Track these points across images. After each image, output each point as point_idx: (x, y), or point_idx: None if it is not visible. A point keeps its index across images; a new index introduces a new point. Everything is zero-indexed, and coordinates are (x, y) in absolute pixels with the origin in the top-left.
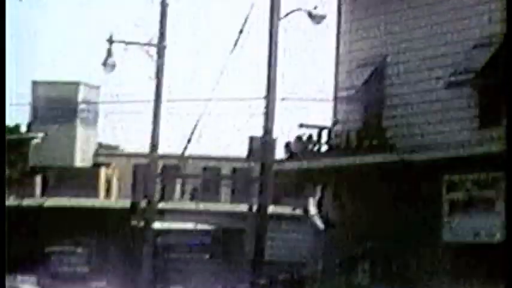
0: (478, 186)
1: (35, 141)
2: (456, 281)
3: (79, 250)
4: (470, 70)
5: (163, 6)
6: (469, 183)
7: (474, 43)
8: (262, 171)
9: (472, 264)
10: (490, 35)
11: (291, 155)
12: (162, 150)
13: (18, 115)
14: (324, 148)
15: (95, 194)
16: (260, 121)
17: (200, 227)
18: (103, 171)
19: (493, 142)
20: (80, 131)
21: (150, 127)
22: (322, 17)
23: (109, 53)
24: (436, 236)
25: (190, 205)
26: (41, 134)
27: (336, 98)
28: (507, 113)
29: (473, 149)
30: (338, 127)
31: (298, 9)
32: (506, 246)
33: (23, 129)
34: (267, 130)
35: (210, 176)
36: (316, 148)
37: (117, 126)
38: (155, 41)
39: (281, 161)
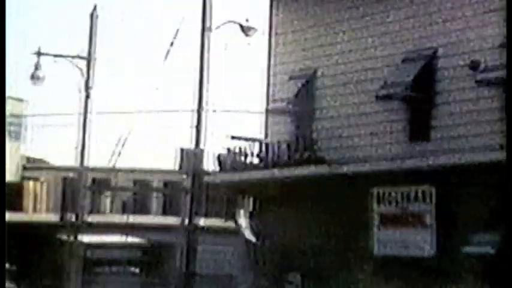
0: (408, 199)
1: None
2: None
3: (6, 266)
4: (400, 84)
5: (93, 18)
6: (399, 196)
7: (404, 57)
8: (193, 183)
9: (402, 278)
10: (420, 49)
11: (222, 167)
12: (91, 163)
13: None
14: (256, 160)
15: (23, 208)
16: (191, 133)
17: (130, 240)
18: (31, 185)
19: (423, 155)
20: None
21: (79, 140)
22: (253, 30)
23: (37, 66)
24: (366, 249)
25: (120, 218)
26: None
27: (267, 111)
28: (507, 112)
29: (403, 162)
30: (269, 139)
31: (230, 22)
32: (507, 250)
33: None
34: (198, 142)
35: (140, 189)
36: (247, 160)
37: (45, 139)
38: (84, 53)
39: (212, 173)
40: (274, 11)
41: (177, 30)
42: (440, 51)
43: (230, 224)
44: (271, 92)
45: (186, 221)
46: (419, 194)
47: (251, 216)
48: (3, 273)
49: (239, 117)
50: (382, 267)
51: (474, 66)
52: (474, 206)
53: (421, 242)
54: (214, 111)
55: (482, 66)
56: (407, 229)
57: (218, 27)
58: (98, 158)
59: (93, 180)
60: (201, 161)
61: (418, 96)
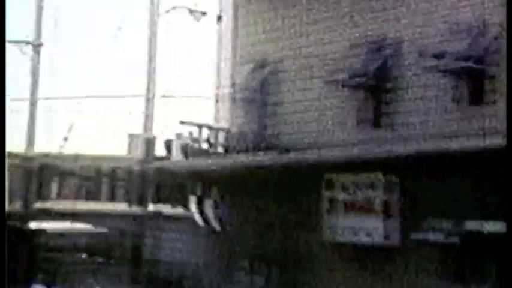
0: (359, 186)
1: None
2: (335, 280)
3: None
4: (351, 71)
5: (39, 2)
6: (351, 183)
7: (356, 43)
8: (142, 169)
9: (352, 264)
10: (374, 36)
11: (172, 153)
12: (38, 149)
13: None
14: (206, 146)
15: None
16: (140, 119)
17: (79, 226)
18: None
19: (374, 143)
20: None
21: (25, 126)
22: (203, 14)
23: None
24: (317, 235)
25: (69, 205)
26: None
27: (218, 96)
28: (507, 110)
29: (355, 149)
30: (220, 125)
31: (179, 7)
32: (507, 245)
33: None
34: (147, 128)
35: (89, 175)
36: (198, 146)
37: None
38: (31, 39)
39: (161, 159)
40: None
41: (125, 14)
42: (390, 37)
43: (180, 210)
44: (221, 78)
45: (135, 207)
46: (370, 181)
47: (201, 201)
48: (3, 273)
49: (191, 103)
50: (333, 253)
51: (423, 52)
52: (425, 194)
53: (371, 229)
54: (164, 96)
55: (431, 52)
56: (358, 216)
57: (168, 11)
58: (46, 144)
59: (41, 166)
60: (150, 146)
61: (367, 83)
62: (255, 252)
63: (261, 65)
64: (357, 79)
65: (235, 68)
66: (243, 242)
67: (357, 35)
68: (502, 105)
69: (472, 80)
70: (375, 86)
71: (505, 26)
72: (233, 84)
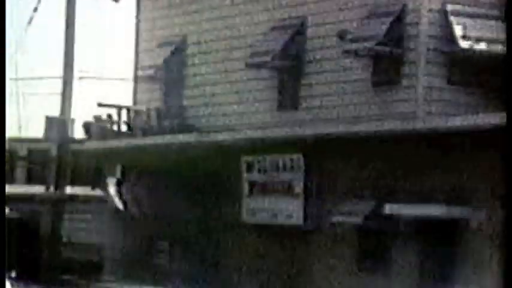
0: (277, 168)
1: None
2: (253, 262)
3: None
4: (269, 52)
5: None
6: (269, 165)
7: (273, 25)
8: (59, 151)
9: (271, 246)
10: (289, 18)
11: (90, 135)
12: None
13: None
14: (124, 128)
15: None
16: (57, 100)
17: None
18: None
19: (292, 124)
20: None
21: None
22: None
23: None
24: (236, 217)
25: None
26: None
27: (136, 77)
28: (507, 111)
29: (273, 131)
30: (138, 106)
31: None
32: (507, 243)
33: None
34: (64, 110)
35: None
36: (115, 128)
37: None
38: None
39: (80, 141)
40: None
41: None
42: (310, 20)
43: (98, 192)
44: (140, 59)
45: (52, 189)
46: (288, 163)
47: (120, 184)
48: (3, 272)
49: (110, 85)
50: (252, 235)
51: (342, 36)
52: (343, 176)
53: (290, 211)
54: (82, 77)
55: (349, 36)
56: (276, 197)
57: None
58: None
59: None
60: (67, 128)
61: (287, 65)
62: (173, 235)
63: (181, 46)
64: (277, 61)
65: (154, 49)
66: (162, 225)
67: (278, 17)
68: (419, 90)
69: (389, 64)
70: (294, 68)
71: (423, 11)
72: (152, 66)
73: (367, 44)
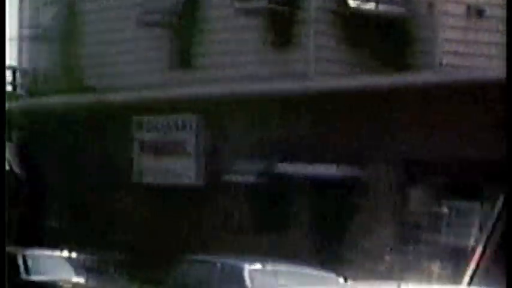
0: (169, 127)
1: None
2: (145, 221)
3: None
4: (161, 10)
5: None
6: (161, 125)
7: None
8: None
9: (164, 206)
10: None
11: None
12: None
13: None
14: (9, 88)
15: None
16: None
17: None
18: None
19: (185, 84)
20: None
21: None
22: None
23: None
24: (128, 177)
25: None
26: None
27: (21, 36)
28: (507, 112)
29: (166, 91)
30: (24, 66)
31: None
32: (506, 242)
33: None
34: None
35: None
36: None
37: None
38: None
39: None
40: None
41: None
42: None
43: None
44: (24, 17)
45: None
46: (180, 123)
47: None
48: (4, 273)
49: None
50: (144, 195)
51: None
52: (236, 135)
53: (183, 170)
54: None
55: None
56: (169, 157)
57: None
58: None
59: None
60: None
61: (179, 24)
62: (63, 196)
63: (69, 4)
64: (169, 20)
65: (39, 7)
66: (51, 188)
67: None
68: (310, 49)
69: (281, 23)
70: (187, 27)
71: None
72: (38, 25)
73: (258, 3)
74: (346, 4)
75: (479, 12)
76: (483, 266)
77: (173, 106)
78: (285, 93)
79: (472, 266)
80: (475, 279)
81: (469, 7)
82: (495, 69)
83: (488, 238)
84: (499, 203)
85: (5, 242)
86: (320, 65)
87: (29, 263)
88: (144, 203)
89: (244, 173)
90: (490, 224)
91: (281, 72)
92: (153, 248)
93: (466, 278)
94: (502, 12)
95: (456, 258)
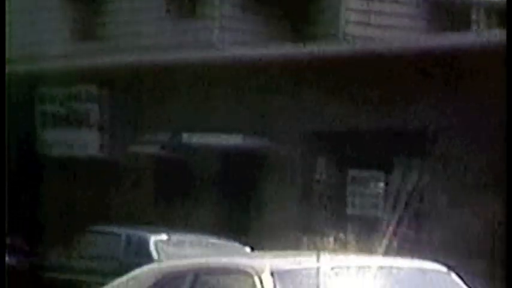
0: (74, 99)
1: None
2: (49, 193)
3: None
4: None
5: None
6: (65, 96)
7: None
8: None
9: (68, 178)
10: None
11: None
12: None
13: None
14: None
15: None
16: None
17: None
18: None
19: (89, 54)
20: None
21: None
22: None
23: None
24: (31, 149)
25: None
26: None
27: None
28: (507, 112)
29: (70, 61)
30: None
31: None
32: (507, 243)
33: None
34: None
35: None
36: None
37: None
38: None
39: None
40: None
41: None
42: None
43: None
44: None
45: None
46: (85, 94)
47: None
48: (3, 273)
49: None
50: (49, 167)
51: None
52: (140, 106)
53: (87, 142)
54: None
55: None
56: (73, 129)
57: None
58: None
59: None
60: None
61: None
62: None
63: None
64: None
65: None
66: None
67: None
68: (216, 19)
69: None
70: None
71: None
72: None
73: None
74: None
75: None
76: (395, 235)
77: (77, 77)
78: (191, 63)
79: (385, 235)
80: (389, 249)
81: None
82: (400, 41)
83: (399, 209)
84: (414, 176)
85: (5, 240)
86: (225, 34)
87: None
88: (48, 174)
89: (149, 143)
90: (402, 196)
91: (186, 42)
92: (57, 219)
93: (380, 248)
94: None
95: (365, 228)
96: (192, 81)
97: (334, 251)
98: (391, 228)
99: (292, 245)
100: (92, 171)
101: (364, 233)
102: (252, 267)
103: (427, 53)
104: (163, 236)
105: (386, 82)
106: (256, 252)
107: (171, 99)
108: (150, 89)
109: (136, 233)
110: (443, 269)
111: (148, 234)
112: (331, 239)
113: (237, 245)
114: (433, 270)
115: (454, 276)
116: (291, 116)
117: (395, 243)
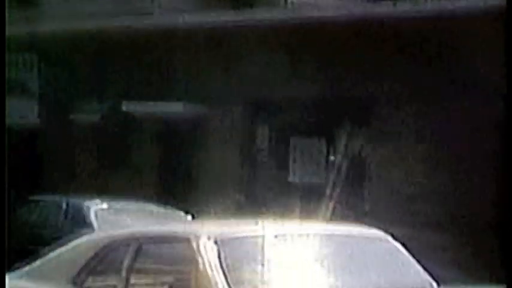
0: (10, 66)
1: None
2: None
3: None
4: None
5: None
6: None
7: None
8: None
9: (7, 146)
10: None
11: None
12: None
13: None
14: None
15: None
16: None
17: None
18: None
19: (26, 21)
20: None
21: None
22: None
23: None
24: None
25: None
26: None
27: None
28: (507, 109)
29: (6, 29)
30: None
31: None
32: (506, 240)
33: None
34: None
35: None
36: None
37: None
38: None
39: None
40: None
41: None
42: None
43: None
44: None
45: None
46: (21, 61)
47: None
48: (4, 271)
49: None
50: None
51: None
52: (80, 74)
53: (24, 110)
54: None
55: None
56: (10, 97)
57: None
58: None
59: None
60: None
61: None
62: None
63: None
64: None
65: None
66: None
67: None
68: None
69: None
70: None
71: None
72: None
73: None
74: None
75: None
76: (337, 202)
77: (14, 45)
78: (129, 31)
79: (327, 203)
80: (331, 216)
81: None
82: (345, 8)
83: (341, 176)
84: (356, 144)
85: (5, 242)
86: (163, 1)
87: None
88: None
89: (88, 112)
90: (344, 163)
91: (124, 9)
92: None
93: (325, 214)
94: None
95: (307, 196)
96: (130, 49)
97: (276, 218)
98: (333, 196)
99: (234, 212)
100: (30, 140)
101: (306, 201)
102: (193, 234)
103: (368, 20)
104: (104, 205)
105: (329, 49)
106: (197, 220)
107: (111, 67)
108: (88, 56)
109: (77, 202)
110: (385, 235)
111: (88, 203)
112: (273, 207)
113: (178, 212)
114: (374, 237)
115: (394, 242)
116: (232, 84)
117: (337, 211)
